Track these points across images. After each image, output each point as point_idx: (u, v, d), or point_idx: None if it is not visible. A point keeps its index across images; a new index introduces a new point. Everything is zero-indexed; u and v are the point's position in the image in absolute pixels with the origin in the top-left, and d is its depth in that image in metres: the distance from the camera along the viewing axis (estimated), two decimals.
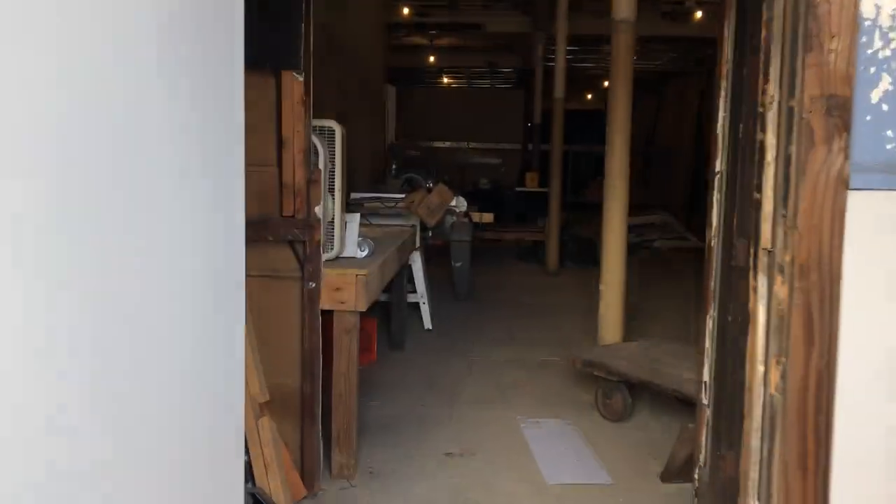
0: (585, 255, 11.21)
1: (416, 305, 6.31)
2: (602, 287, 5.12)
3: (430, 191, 5.66)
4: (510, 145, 20.62)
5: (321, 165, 3.21)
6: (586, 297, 8.09)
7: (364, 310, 3.26)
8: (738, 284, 2.76)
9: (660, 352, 4.37)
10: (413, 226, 5.58)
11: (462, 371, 5.26)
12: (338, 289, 3.19)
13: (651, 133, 23.14)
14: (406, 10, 13.14)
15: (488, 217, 7.59)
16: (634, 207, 18.43)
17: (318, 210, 3.16)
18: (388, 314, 5.90)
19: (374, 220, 5.93)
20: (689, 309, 7.47)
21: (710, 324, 3.04)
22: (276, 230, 3.08)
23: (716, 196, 3.01)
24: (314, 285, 3.11)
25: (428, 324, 6.31)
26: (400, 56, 19.04)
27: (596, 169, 22.94)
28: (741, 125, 2.73)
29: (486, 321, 6.80)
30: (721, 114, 2.97)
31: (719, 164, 2.99)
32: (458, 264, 7.49)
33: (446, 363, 5.40)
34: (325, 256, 3.40)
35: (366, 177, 8.11)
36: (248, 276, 3.24)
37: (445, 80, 22.24)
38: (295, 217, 3.09)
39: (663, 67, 18.57)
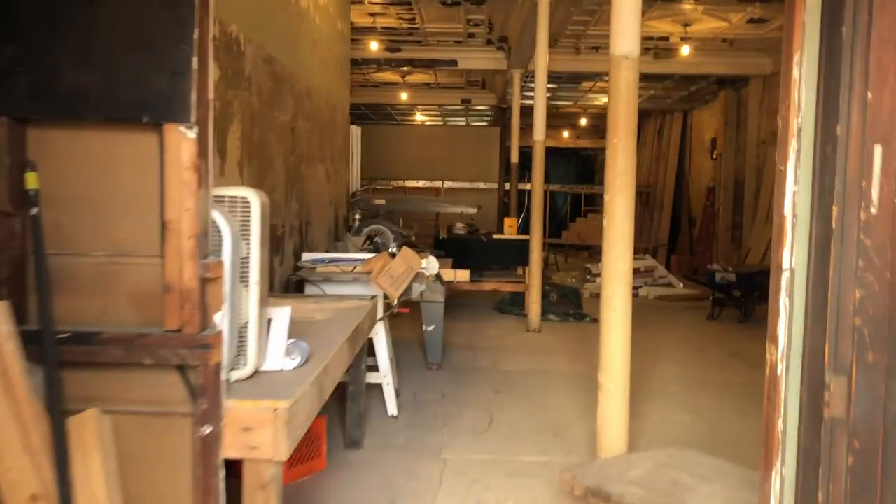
0: (569, 305, 10.35)
1: (380, 386, 5.35)
2: (601, 379, 4.22)
3: (393, 256, 4.74)
4: (487, 184, 19.86)
5: (225, 254, 2.29)
6: (574, 359, 7.21)
7: (286, 458, 2.31)
8: (834, 441, 1.86)
9: (680, 468, 3.46)
10: (374, 297, 4.66)
11: (432, 479, 4.30)
12: (248, 429, 2.25)
13: None
14: (375, 45, 12.36)
15: (463, 275, 6.69)
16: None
17: (217, 319, 2.23)
18: (343, 399, 4.94)
19: (329, 289, 5.01)
20: (693, 379, 6.61)
21: (776, 485, 2.13)
22: (156, 351, 2.14)
23: (783, 301, 2.12)
24: (211, 430, 2.17)
25: (392, 409, 5.34)
26: (369, 93, 18.27)
27: (574, 208, 22.22)
28: (835, 208, 1.86)
29: (461, 399, 5.85)
30: (791, 187, 2.09)
31: (788, 258, 2.10)
32: (430, 328, 6.56)
33: (412, 467, 4.44)
34: (235, 375, 2.47)
35: (324, 231, 7.19)
36: (117, 411, 2.31)
37: (419, 117, 21.49)
38: (183, 331, 2.16)
39: (643, 105, 17.98)
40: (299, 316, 3.54)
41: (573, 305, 10.49)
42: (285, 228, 5.71)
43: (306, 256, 5.44)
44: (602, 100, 17.39)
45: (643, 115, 20.82)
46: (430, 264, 5.46)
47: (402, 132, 21.70)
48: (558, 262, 16.10)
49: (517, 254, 9.74)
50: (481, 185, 19.64)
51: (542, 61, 8.79)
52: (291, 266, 5.71)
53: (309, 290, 5.07)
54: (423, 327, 6.55)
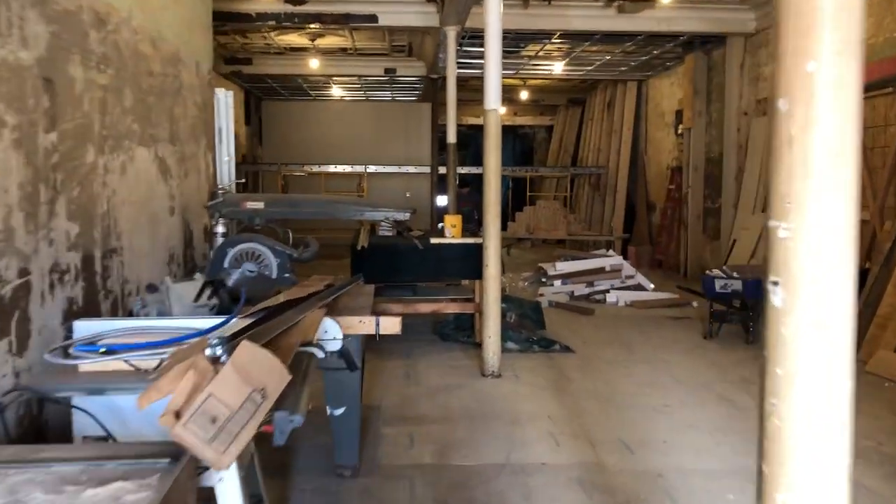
0: (530, 327, 8.00)
1: None
2: None
3: (217, 361, 2.13)
4: (418, 168, 17.35)
5: None
6: (565, 432, 4.66)
7: None
8: None
9: None
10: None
11: None
12: None
13: (574, 152, 20.34)
14: None
15: (393, 325, 4.13)
16: (577, 245, 15.23)
17: None
18: None
19: (109, 415, 2.46)
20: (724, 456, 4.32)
21: None
22: None
23: None
24: None
25: None
26: (274, 62, 15.48)
27: (517, 197, 19.87)
28: None
29: None
30: None
31: None
32: (338, 412, 4.06)
33: None
34: None
35: (157, 262, 4.60)
36: None
37: (337, 91, 18.76)
38: None
39: (589, 75, 15.73)
40: None
41: (535, 325, 8.14)
42: (32, 276, 3.14)
43: (81, 327, 2.86)
44: (548, 68, 15.05)
45: (588, 88, 18.62)
46: (329, 331, 2.99)
47: (318, 109, 18.96)
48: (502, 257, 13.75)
49: (463, 263, 7.31)
50: (411, 169, 17.12)
51: (493, 5, 6.31)
52: (54, 349, 3.11)
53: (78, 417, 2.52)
54: (328, 411, 4.04)
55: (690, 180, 12.83)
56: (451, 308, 7.58)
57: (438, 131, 15.02)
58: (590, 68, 14.91)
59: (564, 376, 6.32)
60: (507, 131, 25.19)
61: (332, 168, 16.61)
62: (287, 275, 4.37)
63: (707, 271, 8.19)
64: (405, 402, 5.60)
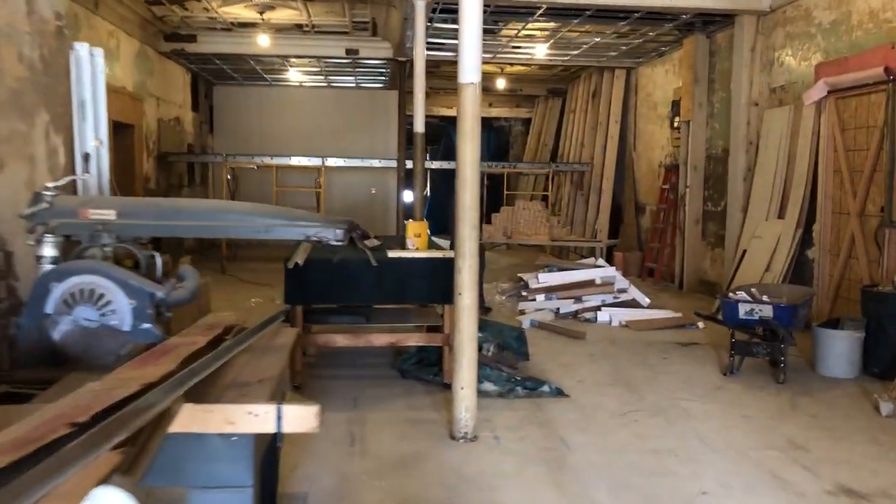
0: (511, 359, 6.46)
1: None
2: None
3: None
4: (384, 162, 15.70)
5: None
6: None
7: None
8: None
9: None
10: None
11: None
12: None
13: (554, 147, 18.83)
14: None
15: (304, 421, 2.56)
16: (557, 250, 13.60)
17: None
18: None
19: None
20: None
21: None
22: None
23: None
24: None
25: None
26: (221, 39, 13.71)
27: (493, 196, 18.23)
28: None
29: None
30: None
31: None
32: None
33: None
34: None
35: None
36: None
37: (295, 75, 17.06)
38: None
39: (572, 62, 14.23)
40: None
41: (517, 356, 6.60)
42: None
43: None
44: (529, 52, 13.51)
45: (571, 76, 17.12)
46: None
47: (275, 96, 17.26)
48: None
49: (430, 283, 5.75)
50: (376, 163, 15.49)
51: None
52: None
53: None
54: None
55: (689, 179, 11.38)
56: (414, 340, 6.02)
57: (406, 122, 13.43)
58: (575, 53, 13.39)
59: (560, 439, 4.78)
60: (482, 124, 23.59)
61: (285, 160, 14.91)
62: (146, 325, 2.82)
63: (729, 293, 6.71)
64: (344, 487, 4.03)
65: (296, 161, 14.88)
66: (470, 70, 4.55)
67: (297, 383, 5.72)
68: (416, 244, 6.05)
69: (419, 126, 9.52)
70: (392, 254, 5.78)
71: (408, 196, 14.04)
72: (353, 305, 5.98)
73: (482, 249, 8.98)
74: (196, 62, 15.11)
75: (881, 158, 7.15)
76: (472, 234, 4.60)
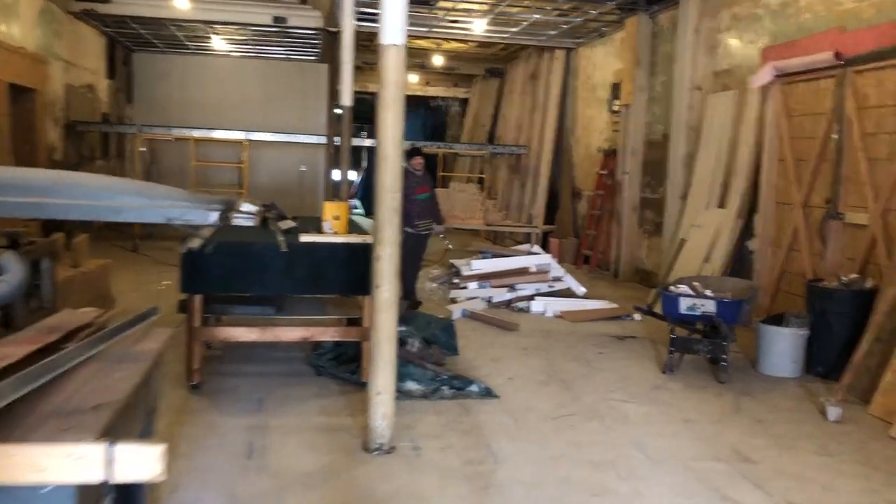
0: (439, 353, 5.93)
1: None
2: None
3: None
4: (314, 138, 14.91)
5: None
6: None
7: None
8: None
9: None
10: None
11: None
12: None
13: (492, 129, 18.31)
14: None
15: (147, 469, 1.98)
16: (492, 235, 13.01)
17: None
18: None
19: None
20: None
21: None
22: None
23: None
24: None
25: None
26: (136, 1, 12.77)
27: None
28: None
29: None
30: None
31: None
32: None
33: None
34: None
35: None
36: None
37: (220, 44, 16.08)
38: None
39: (511, 41, 13.72)
40: None
41: (445, 350, 6.08)
42: None
43: None
44: (467, 28, 12.93)
45: (509, 56, 16.62)
46: None
47: (200, 65, 16.23)
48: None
49: (348, 271, 5.15)
50: (304, 138, 14.72)
51: None
52: None
53: None
54: None
55: (627, 165, 11.02)
56: (329, 335, 5.42)
57: (337, 97, 12.70)
58: (514, 30, 12.87)
59: (488, 449, 4.28)
60: (418, 102, 22.99)
61: (205, 133, 14.01)
62: None
63: (670, 286, 6.31)
64: None
65: (217, 134, 14.00)
66: (393, 30, 3.97)
67: (196, 382, 5.09)
68: (335, 227, 5.45)
69: (346, 99, 8.87)
70: (305, 237, 5.16)
71: (336, 175, 13.35)
72: (259, 295, 5.34)
73: (424, 237, 8.34)
74: (112, 25, 14.03)
75: (828, 147, 6.85)
76: (393, 218, 4.03)
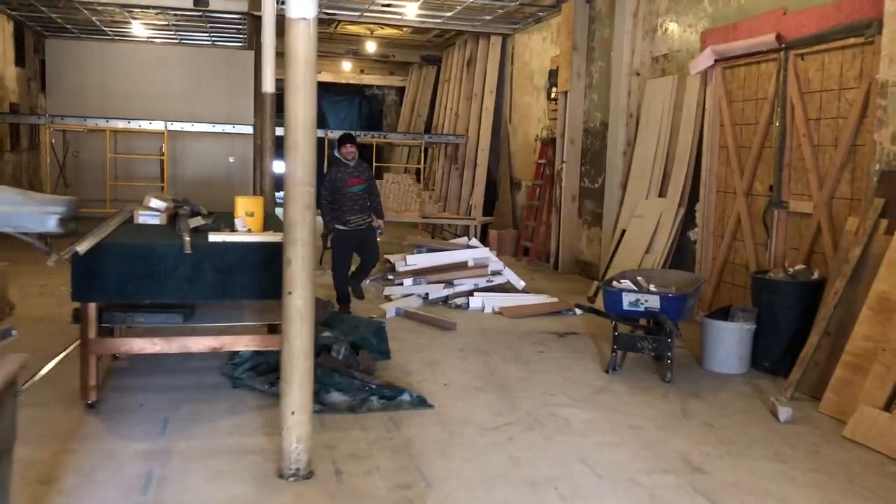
0: (368, 359, 5.49)
1: None
2: None
3: None
4: (241, 129, 14.22)
5: None
6: None
7: None
8: None
9: None
10: None
11: None
12: None
13: (429, 118, 17.87)
14: None
15: None
16: (429, 228, 12.48)
17: None
18: None
19: None
20: None
21: None
22: None
23: None
24: None
25: None
26: None
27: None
28: None
29: None
30: None
31: None
32: None
33: None
34: None
35: None
36: None
37: (141, 30, 15.23)
38: None
39: (446, 26, 13.29)
40: None
41: (376, 355, 5.64)
42: None
43: None
44: (399, 13, 12.44)
45: (445, 44, 16.19)
46: None
47: (119, 53, 15.31)
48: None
49: (263, 274, 4.65)
50: (230, 128, 14.04)
51: None
52: None
53: None
54: None
55: (565, 154, 10.72)
56: (244, 343, 4.92)
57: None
58: (448, 15, 12.44)
59: (419, 471, 3.86)
60: (353, 91, 22.38)
61: (122, 124, 13.20)
62: None
63: (613, 281, 5.98)
64: None
65: (135, 125, 13.20)
66: (301, 2, 3.48)
67: (92, 401, 4.53)
68: (249, 225, 4.94)
69: (268, 86, 8.32)
70: (214, 237, 4.64)
71: (279, 167, 12.59)
72: (164, 301, 4.80)
73: (361, 232, 7.69)
74: (19, 9, 13.12)
75: (771, 133, 6.62)
76: (304, 217, 3.55)
